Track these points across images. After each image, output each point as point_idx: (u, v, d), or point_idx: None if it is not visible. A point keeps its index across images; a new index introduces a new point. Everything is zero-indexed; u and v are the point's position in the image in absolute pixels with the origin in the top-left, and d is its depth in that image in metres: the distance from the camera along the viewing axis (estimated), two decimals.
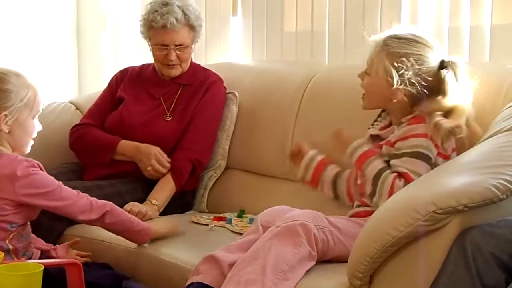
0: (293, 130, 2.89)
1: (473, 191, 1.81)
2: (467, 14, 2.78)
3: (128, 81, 3.12)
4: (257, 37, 3.45)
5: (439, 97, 2.26)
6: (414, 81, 2.25)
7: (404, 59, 2.25)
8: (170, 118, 3.01)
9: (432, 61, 2.29)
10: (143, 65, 3.22)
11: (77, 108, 3.30)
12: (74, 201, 2.31)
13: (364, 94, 2.39)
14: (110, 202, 2.39)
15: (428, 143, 2.21)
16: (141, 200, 2.83)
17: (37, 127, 2.37)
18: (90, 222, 2.38)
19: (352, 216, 2.34)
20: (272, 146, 2.94)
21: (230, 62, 3.48)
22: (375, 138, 2.37)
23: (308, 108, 2.88)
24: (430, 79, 2.27)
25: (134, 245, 2.52)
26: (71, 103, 3.34)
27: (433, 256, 1.85)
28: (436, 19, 2.86)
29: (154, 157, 2.89)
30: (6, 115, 2.26)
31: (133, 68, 3.19)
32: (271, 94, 3.01)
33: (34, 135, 2.38)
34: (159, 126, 2.99)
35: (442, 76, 2.27)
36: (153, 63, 3.13)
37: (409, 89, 2.26)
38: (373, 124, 2.44)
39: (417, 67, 2.26)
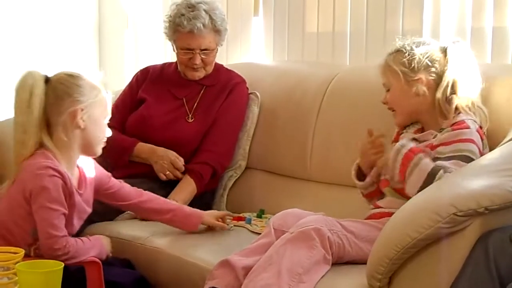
0: (314, 130, 2.89)
1: (494, 194, 1.80)
2: (490, 15, 2.76)
3: (149, 81, 3.12)
4: (279, 37, 3.44)
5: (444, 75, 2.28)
6: (427, 64, 2.27)
7: (404, 52, 2.30)
8: (192, 120, 3.01)
9: (431, 46, 2.32)
10: (165, 63, 3.21)
11: None
12: (56, 236, 2.19)
13: (393, 111, 2.39)
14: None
15: (474, 148, 2.17)
16: None
17: (107, 131, 2.38)
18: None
19: (367, 218, 2.33)
20: (293, 147, 2.94)
21: (251, 62, 3.48)
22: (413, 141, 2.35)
23: (329, 109, 2.87)
24: (437, 61, 2.28)
25: (153, 244, 2.53)
26: None
27: (453, 259, 1.84)
28: (458, 19, 2.84)
29: (170, 160, 2.89)
30: (82, 109, 2.28)
31: (154, 67, 3.19)
32: (292, 94, 3.01)
33: (105, 139, 2.38)
34: (181, 127, 2.99)
35: (446, 57, 2.29)
36: (174, 62, 3.13)
37: (426, 74, 2.27)
38: (402, 131, 2.42)
39: (420, 51, 2.29)
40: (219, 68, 3.11)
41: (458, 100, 2.26)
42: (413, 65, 2.29)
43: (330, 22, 3.23)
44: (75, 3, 4.10)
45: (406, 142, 2.20)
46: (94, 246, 2.33)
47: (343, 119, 2.81)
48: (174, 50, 3.07)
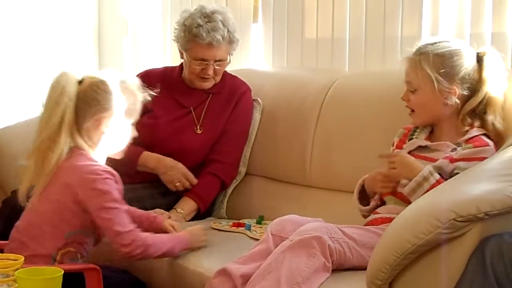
0: (313, 136, 2.89)
1: (494, 199, 1.80)
2: (488, 21, 2.76)
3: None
4: (278, 43, 3.45)
5: (480, 89, 2.27)
6: (463, 76, 2.26)
7: (444, 59, 2.28)
8: (201, 131, 3.00)
9: (468, 56, 2.30)
10: (166, 68, 3.19)
11: None
12: (121, 232, 2.22)
13: (412, 111, 2.37)
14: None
15: None
16: (160, 206, 2.84)
17: (132, 133, 2.39)
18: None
19: (367, 224, 2.33)
20: (292, 153, 2.94)
21: (250, 68, 3.48)
22: (422, 148, 2.35)
23: (328, 115, 2.87)
24: (472, 73, 2.28)
25: None
26: None
27: (453, 264, 1.83)
28: (457, 25, 2.84)
29: (182, 172, 2.88)
30: (108, 117, 2.29)
31: (154, 72, 3.13)
32: (292, 100, 3.01)
33: (129, 140, 2.40)
34: (189, 138, 2.97)
35: (482, 66, 2.28)
36: (176, 67, 3.11)
37: (459, 87, 2.26)
38: (412, 136, 2.41)
39: (459, 61, 2.27)
40: (224, 74, 3.07)
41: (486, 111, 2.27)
42: (450, 76, 2.26)
43: (329, 28, 3.23)
44: (74, 10, 4.10)
45: (433, 170, 2.18)
46: (171, 239, 2.37)
47: (343, 125, 2.81)
48: (182, 58, 3.03)
